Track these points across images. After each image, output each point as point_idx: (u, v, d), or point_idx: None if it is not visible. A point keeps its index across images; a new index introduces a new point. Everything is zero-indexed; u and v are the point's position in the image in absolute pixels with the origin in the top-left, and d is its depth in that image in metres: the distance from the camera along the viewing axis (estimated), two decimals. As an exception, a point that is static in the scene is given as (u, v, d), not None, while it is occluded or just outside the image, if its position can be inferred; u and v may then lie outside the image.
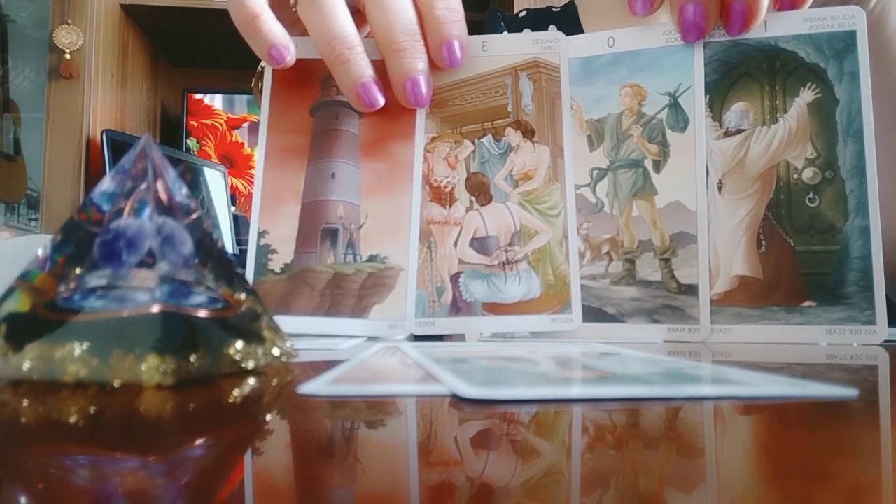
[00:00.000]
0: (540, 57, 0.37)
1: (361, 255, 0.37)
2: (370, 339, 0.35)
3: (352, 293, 0.36)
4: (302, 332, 0.35)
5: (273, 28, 0.36)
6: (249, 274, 0.37)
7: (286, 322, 0.35)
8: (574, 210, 0.36)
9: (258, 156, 0.39)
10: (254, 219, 0.38)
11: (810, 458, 0.13)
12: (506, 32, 0.66)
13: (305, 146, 0.38)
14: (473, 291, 0.36)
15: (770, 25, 0.34)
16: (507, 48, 0.38)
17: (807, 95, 0.34)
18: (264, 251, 0.37)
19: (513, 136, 0.37)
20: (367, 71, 0.36)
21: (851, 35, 0.33)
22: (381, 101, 0.36)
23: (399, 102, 0.37)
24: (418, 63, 0.36)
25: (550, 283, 0.36)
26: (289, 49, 0.36)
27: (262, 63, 0.49)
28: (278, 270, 0.37)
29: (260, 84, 0.49)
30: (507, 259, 0.36)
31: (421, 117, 0.38)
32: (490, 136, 0.37)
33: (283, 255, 0.37)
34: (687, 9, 0.33)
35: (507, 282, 0.36)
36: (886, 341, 0.32)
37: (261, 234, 0.37)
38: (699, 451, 0.14)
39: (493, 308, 0.36)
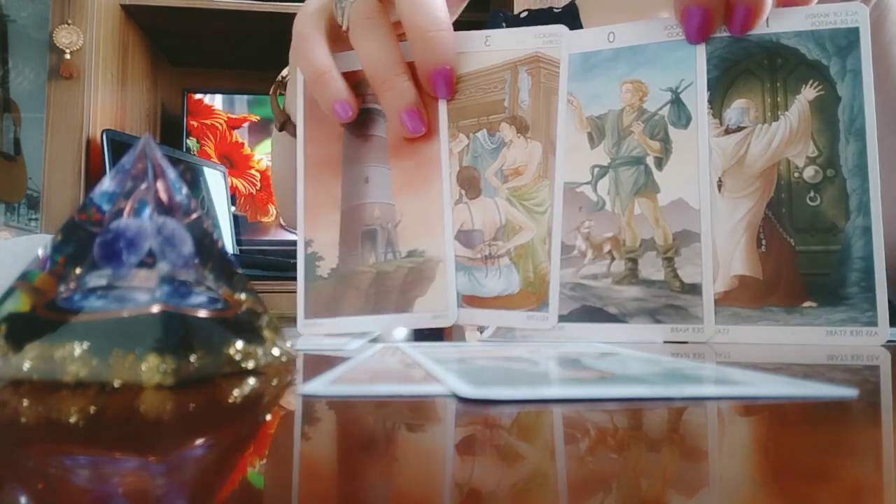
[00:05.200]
0: (541, 51, 0.37)
1: (400, 251, 0.38)
2: (415, 331, 0.37)
3: (395, 289, 0.37)
4: (351, 332, 0.36)
5: (339, 84, 0.38)
6: (300, 281, 0.38)
7: (336, 324, 0.37)
8: (560, 208, 0.36)
9: (298, 168, 0.40)
10: (299, 229, 0.39)
11: (813, 458, 0.13)
12: (504, 24, 0.66)
13: (339, 155, 0.40)
14: (455, 283, 0.37)
15: (772, 22, 0.34)
16: (509, 43, 0.38)
17: (808, 93, 0.33)
18: (312, 259, 0.39)
19: (507, 131, 0.37)
20: (410, 98, 0.37)
21: (854, 32, 0.33)
22: (423, 130, 0.37)
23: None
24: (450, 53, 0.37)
25: (530, 280, 0.36)
26: (353, 105, 0.38)
27: (283, 73, 0.49)
28: (326, 275, 0.38)
29: (279, 93, 0.50)
30: (490, 253, 0.37)
31: (443, 112, 0.38)
32: (485, 130, 0.38)
33: (329, 260, 0.39)
34: (692, 12, 0.33)
35: (488, 275, 0.37)
36: (889, 341, 0.32)
37: (307, 244, 0.39)
38: (701, 452, 0.14)
39: (472, 301, 0.37)
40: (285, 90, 0.50)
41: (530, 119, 0.37)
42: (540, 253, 0.36)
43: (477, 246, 0.37)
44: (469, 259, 0.37)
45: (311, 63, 0.38)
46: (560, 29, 0.37)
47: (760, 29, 0.34)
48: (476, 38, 0.38)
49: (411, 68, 0.37)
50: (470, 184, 0.38)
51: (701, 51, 0.35)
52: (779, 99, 0.34)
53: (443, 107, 0.38)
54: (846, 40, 0.33)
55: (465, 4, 0.41)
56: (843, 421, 0.16)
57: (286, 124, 0.49)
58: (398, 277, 0.37)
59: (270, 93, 0.50)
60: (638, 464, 0.12)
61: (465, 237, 0.37)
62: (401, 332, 0.38)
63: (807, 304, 0.32)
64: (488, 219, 0.37)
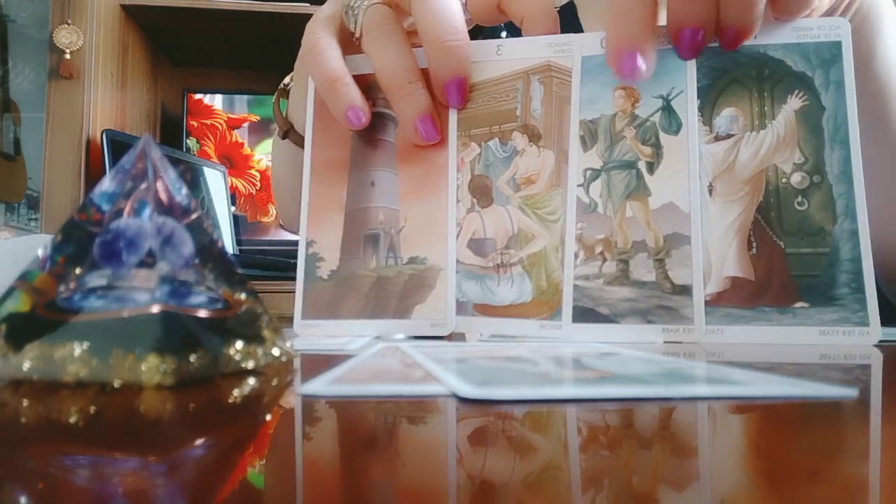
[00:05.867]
0: (553, 60, 0.37)
1: (402, 257, 0.38)
2: (415, 338, 0.36)
3: (395, 295, 0.37)
4: (349, 335, 0.36)
5: (352, 91, 0.38)
6: (300, 282, 0.38)
7: (334, 326, 0.37)
8: (574, 217, 0.36)
9: (304, 170, 0.40)
10: (302, 230, 0.39)
11: (813, 457, 0.13)
12: (504, 33, 0.66)
13: (346, 158, 0.40)
14: (466, 291, 0.37)
15: (759, 34, 0.35)
16: (521, 52, 0.38)
17: (794, 103, 0.34)
18: (312, 259, 0.39)
19: (519, 140, 0.37)
20: (425, 105, 0.37)
21: (837, 45, 0.34)
22: (438, 137, 0.38)
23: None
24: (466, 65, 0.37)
25: (542, 289, 0.36)
26: (366, 112, 0.38)
27: (286, 80, 0.49)
28: (326, 277, 0.38)
29: (281, 100, 0.50)
30: (502, 262, 0.37)
31: (453, 120, 0.38)
32: (497, 139, 0.38)
33: (330, 262, 0.38)
34: (685, 32, 0.34)
35: (500, 284, 0.36)
36: (881, 341, 0.32)
37: (309, 244, 0.39)
38: (704, 452, 0.14)
39: (484, 309, 0.36)
40: (288, 97, 0.49)
41: (542, 128, 0.37)
42: (553, 261, 0.36)
43: (489, 254, 0.37)
44: (481, 268, 0.37)
45: (323, 69, 0.38)
46: (571, 38, 0.37)
47: (748, 41, 0.35)
48: (488, 47, 0.38)
49: (424, 75, 0.37)
50: (482, 192, 0.37)
51: (691, 61, 0.35)
52: (766, 108, 0.35)
53: (452, 115, 0.38)
54: (829, 53, 0.34)
55: (472, 26, 0.41)
56: (842, 420, 0.16)
57: (289, 132, 0.49)
58: (398, 283, 0.37)
59: (273, 101, 0.50)
60: (640, 463, 0.12)
61: (476, 246, 0.37)
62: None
63: (799, 304, 0.33)
64: (500, 227, 0.37)
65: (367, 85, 0.39)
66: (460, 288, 0.37)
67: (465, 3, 0.39)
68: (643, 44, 0.34)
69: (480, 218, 0.37)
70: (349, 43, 0.39)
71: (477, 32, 0.45)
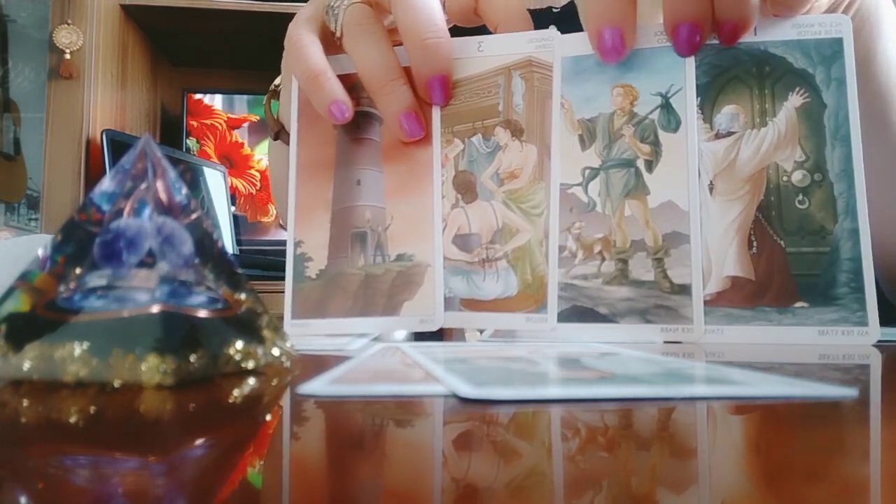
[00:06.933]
0: (534, 55, 0.37)
1: (390, 255, 0.38)
2: (415, 337, 0.37)
3: (382, 292, 0.37)
4: (338, 334, 0.36)
5: (335, 86, 0.38)
6: (288, 282, 0.39)
7: (324, 325, 0.37)
8: (557, 210, 0.36)
9: (290, 170, 0.40)
10: (290, 230, 0.40)
11: (813, 457, 0.13)
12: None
13: (332, 157, 0.40)
14: (453, 287, 0.37)
15: (760, 31, 0.35)
16: (502, 48, 0.38)
17: (795, 100, 0.34)
18: (301, 259, 0.39)
19: (501, 135, 0.37)
20: (408, 102, 0.37)
21: (838, 42, 0.34)
22: (422, 133, 0.38)
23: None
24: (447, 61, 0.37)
25: (528, 283, 0.36)
26: (349, 107, 0.38)
27: (276, 81, 0.49)
28: (314, 276, 0.38)
29: (272, 101, 0.50)
30: (487, 256, 0.37)
31: (437, 117, 0.38)
32: (480, 135, 0.38)
33: (318, 261, 0.39)
34: (681, 28, 0.34)
35: (486, 279, 0.37)
36: (880, 341, 0.32)
37: (297, 244, 0.39)
38: (703, 452, 0.14)
39: (471, 304, 0.37)
40: (279, 99, 0.49)
41: (525, 122, 0.37)
42: (537, 255, 0.36)
43: (474, 249, 0.37)
44: (467, 263, 0.37)
45: (306, 65, 0.38)
46: (552, 33, 0.37)
47: (749, 38, 0.34)
48: (469, 44, 0.38)
49: (406, 73, 0.37)
50: (466, 188, 0.38)
51: (690, 58, 0.35)
52: (767, 105, 0.34)
53: (435, 112, 0.38)
54: (831, 50, 0.34)
55: (451, 25, 0.41)
56: (841, 420, 0.16)
57: (280, 133, 0.49)
58: (386, 281, 0.37)
59: (265, 102, 0.50)
60: (639, 464, 0.12)
61: (462, 241, 0.37)
62: (401, 333, 0.38)
63: (798, 304, 0.33)
64: (485, 222, 0.37)
65: (350, 84, 0.39)
66: (447, 283, 0.37)
67: (444, 2, 0.39)
68: (621, 19, 0.34)
69: (465, 213, 0.37)
70: (331, 43, 0.40)
71: (476, 31, 0.45)
